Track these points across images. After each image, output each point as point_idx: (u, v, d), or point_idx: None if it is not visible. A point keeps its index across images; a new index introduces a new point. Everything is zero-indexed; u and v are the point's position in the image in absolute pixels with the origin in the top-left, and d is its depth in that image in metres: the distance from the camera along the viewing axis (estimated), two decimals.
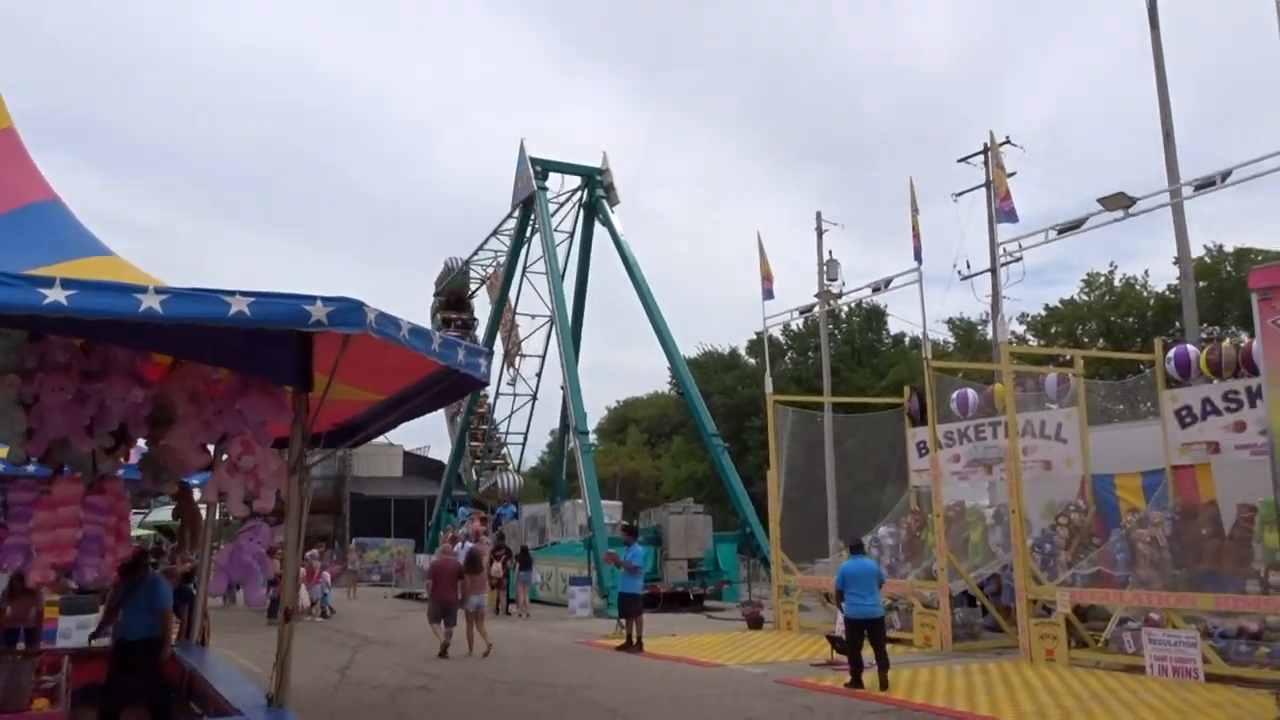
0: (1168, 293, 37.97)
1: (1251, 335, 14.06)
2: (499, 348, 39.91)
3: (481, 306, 45.84)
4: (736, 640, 17.37)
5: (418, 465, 51.32)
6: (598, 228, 34.22)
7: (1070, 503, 16.51)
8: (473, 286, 45.48)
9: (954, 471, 18.97)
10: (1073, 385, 17.26)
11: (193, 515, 11.20)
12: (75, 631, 13.85)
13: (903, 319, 63.17)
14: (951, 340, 46.88)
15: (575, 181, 34.70)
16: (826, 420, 26.32)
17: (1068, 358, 19.44)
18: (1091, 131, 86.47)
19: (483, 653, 15.58)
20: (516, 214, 35.64)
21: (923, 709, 10.35)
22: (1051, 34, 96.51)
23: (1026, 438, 17.40)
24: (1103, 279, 41.95)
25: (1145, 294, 40.81)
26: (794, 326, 51.54)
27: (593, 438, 67.74)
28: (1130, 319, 40.56)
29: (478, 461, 40.59)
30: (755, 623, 19.59)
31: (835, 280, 29.61)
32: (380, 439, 50.98)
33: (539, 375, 40.12)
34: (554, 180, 34.40)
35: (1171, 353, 15.57)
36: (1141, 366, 25.10)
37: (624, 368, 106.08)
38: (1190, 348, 15.38)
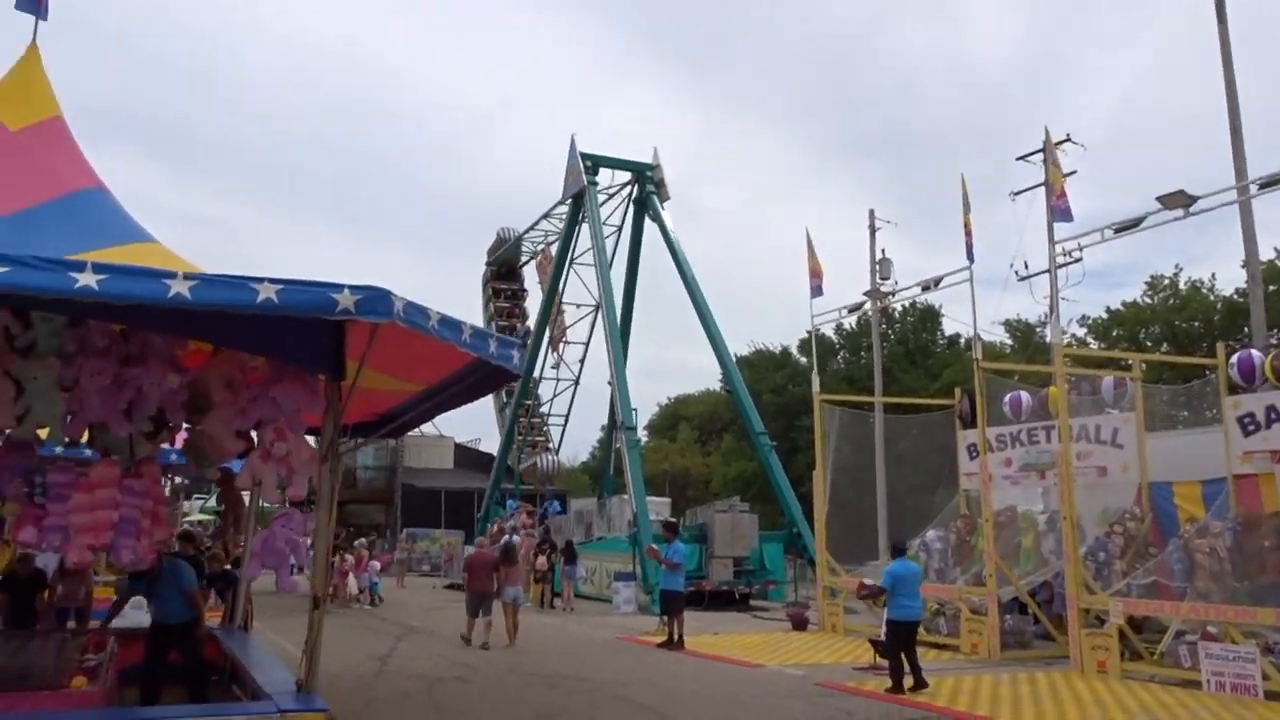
0: (1235, 296, 36.74)
1: None
2: (546, 332, 40.35)
3: (530, 281, 46.44)
4: (779, 641, 17.18)
5: (468, 457, 51.74)
6: (648, 224, 34.14)
7: (1126, 510, 16.03)
8: (524, 259, 45.85)
9: (1005, 476, 18.52)
10: (1130, 389, 16.75)
11: (235, 501, 11.35)
12: (130, 612, 14.19)
13: (957, 320, 62.18)
14: (1009, 342, 45.98)
15: (625, 176, 34.67)
16: (878, 421, 25.93)
17: (1126, 361, 18.90)
18: (1158, 131, 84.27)
19: (505, 643, 15.74)
20: (567, 209, 35.77)
21: (964, 717, 10.11)
22: (1116, 29, 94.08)
23: (1081, 442, 16.93)
24: (1167, 281, 40.78)
25: (1212, 298, 39.58)
26: (847, 326, 51.06)
27: (643, 434, 67.87)
28: (1195, 323, 39.35)
29: (520, 438, 40.98)
30: (799, 624, 19.36)
31: (888, 279, 29.16)
32: (431, 431, 51.81)
33: (582, 361, 41.05)
34: (604, 176, 34.44)
35: (1235, 357, 15.00)
36: (1206, 372, 24.32)
37: (677, 365, 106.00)
38: (1255, 352, 14.80)
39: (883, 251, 29.89)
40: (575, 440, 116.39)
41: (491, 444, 47.83)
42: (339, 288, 5.65)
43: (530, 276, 45.96)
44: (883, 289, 28.34)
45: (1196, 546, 13.66)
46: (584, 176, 33.02)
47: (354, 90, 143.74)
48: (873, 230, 30.65)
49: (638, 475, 26.23)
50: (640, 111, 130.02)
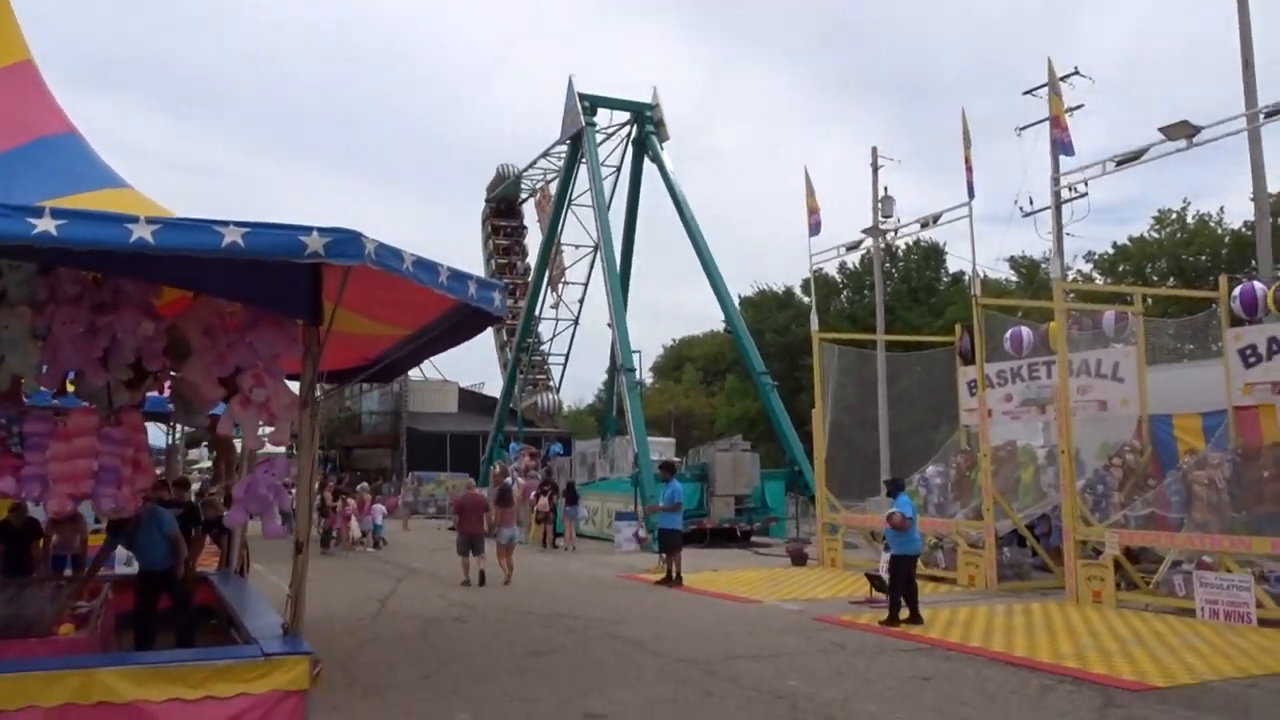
0: (1243, 230, 36.25)
1: None
2: (545, 273, 40.24)
3: (530, 219, 46.21)
4: (778, 577, 17.30)
5: (473, 401, 51.91)
6: (648, 165, 33.71)
7: (1126, 443, 15.99)
8: (523, 195, 45.57)
9: (1006, 411, 18.46)
10: (1131, 323, 16.59)
11: (227, 447, 11.38)
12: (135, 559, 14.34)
13: (961, 257, 61.63)
14: (1015, 279, 45.62)
15: (624, 117, 34.14)
16: (879, 358, 25.84)
17: (1129, 296, 18.68)
18: (1172, 67, 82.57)
19: (503, 581, 16.07)
20: (566, 150, 35.33)
21: (956, 648, 10.16)
22: None
23: (1082, 377, 16.83)
24: (1174, 216, 40.28)
25: (1220, 231, 39.10)
26: (851, 265, 50.66)
27: (648, 376, 67.85)
28: (1203, 257, 38.94)
29: (522, 375, 41.14)
30: (799, 559, 19.49)
31: (890, 217, 28.83)
32: (436, 375, 51.87)
33: (581, 302, 41.17)
34: (604, 117, 33.91)
35: (1238, 289, 14.81)
36: (1212, 305, 24.07)
37: (681, 307, 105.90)
38: (1258, 284, 14.61)
39: (885, 189, 29.53)
40: (579, 383, 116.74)
41: (495, 387, 47.95)
42: (307, 230, 5.54)
43: (530, 214, 45.72)
44: (884, 227, 28.02)
45: (1195, 478, 13.63)
46: (582, 117, 32.52)
47: (355, 33, 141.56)
48: (875, 168, 30.23)
49: (638, 416, 26.27)
50: (645, 51, 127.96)
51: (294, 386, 7.38)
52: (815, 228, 20.39)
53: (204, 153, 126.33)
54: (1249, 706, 7.76)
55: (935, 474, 19.03)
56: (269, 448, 9.45)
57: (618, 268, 31.99)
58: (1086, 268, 41.84)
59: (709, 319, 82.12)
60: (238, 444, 10.84)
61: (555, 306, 41.32)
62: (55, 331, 6.72)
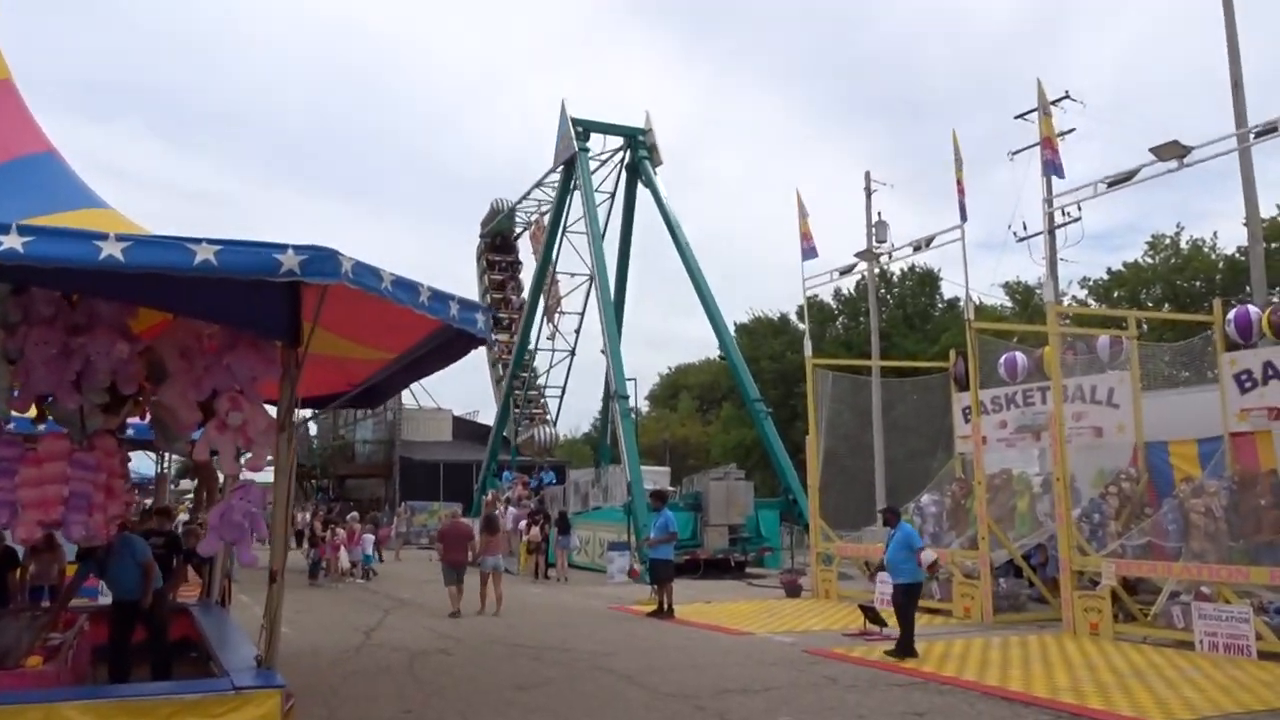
0: (1237, 255, 36.35)
1: None
2: (540, 302, 39.97)
3: (525, 253, 45.85)
4: (772, 608, 17.05)
5: (467, 429, 51.59)
6: (642, 190, 33.71)
7: (1121, 471, 15.81)
8: (518, 229, 45.21)
9: (1001, 438, 18.31)
10: (1126, 348, 16.48)
11: (209, 475, 11.17)
12: None
13: (955, 283, 61.57)
14: (1009, 305, 45.62)
15: (618, 142, 34.18)
16: (874, 385, 25.69)
17: (1124, 321, 18.59)
18: (1165, 90, 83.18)
19: (493, 612, 15.95)
20: (559, 176, 35.30)
21: (950, 682, 9.94)
22: None
23: (1076, 403, 16.69)
24: (1168, 241, 40.39)
25: (1214, 256, 39.17)
26: (846, 291, 50.70)
27: (644, 404, 67.34)
28: (1197, 282, 38.98)
29: (518, 410, 40.70)
30: (793, 591, 19.24)
31: (885, 242, 28.80)
32: (429, 403, 51.45)
33: (577, 332, 40.38)
34: (597, 142, 33.95)
35: (1232, 313, 14.71)
36: (1207, 330, 24.06)
37: (677, 335, 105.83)
38: (1252, 308, 14.51)
39: (879, 214, 29.55)
40: (576, 412, 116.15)
41: (489, 415, 47.59)
42: (282, 248, 5.41)
43: (525, 248, 45.51)
44: (877, 251, 27.98)
45: (1192, 506, 13.46)
46: (575, 142, 32.53)
47: (351, 60, 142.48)
48: (868, 192, 30.28)
49: (632, 444, 26.06)
50: (639, 78, 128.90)
51: (273, 411, 7.24)
52: (808, 252, 20.32)
53: (201, 179, 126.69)
54: None
55: (930, 502, 18.84)
56: (247, 474, 9.28)
57: (611, 294, 31.89)
58: (1081, 294, 41.91)
59: (705, 347, 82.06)
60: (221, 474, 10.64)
61: (551, 338, 40.76)
62: (28, 353, 6.58)
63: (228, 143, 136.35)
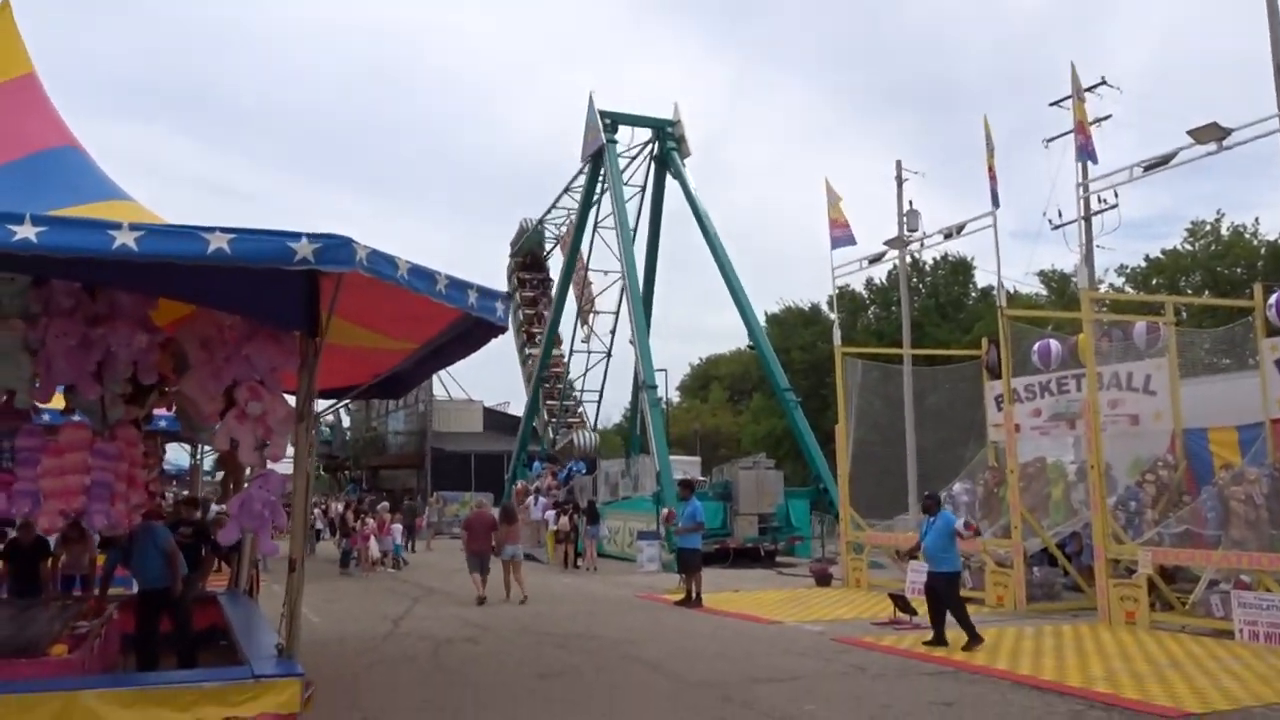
0: (1279, 241, 35.59)
1: None
2: (571, 304, 39.60)
3: (557, 266, 45.29)
4: (801, 597, 16.93)
5: (497, 421, 51.81)
6: (671, 182, 33.53)
7: (1159, 458, 15.51)
8: (548, 246, 44.79)
9: (1035, 426, 18.02)
10: (1163, 335, 16.13)
11: (235, 465, 11.20)
12: None
13: (989, 271, 60.73)
14: (1044, 293, 44.99)
15: (646, 135, 34.01)
16: (906, 374, 25.40)
17: (1161, 307, 18.21)
18: (1206, 78, 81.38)
19: (519, 600, 16.06)
20: (587, 169, 35.16)
21: (981, 671, 9.78)
22: None
23: (1112, 390, 16.38)
24: (1208, 227, 39.54)
25: (1255, 243, 38.31)
26: (878, 281, 50.21)
27: (675, 395, 66.99)
28: (1238, 269, 38.16)
29: (554, 420, 40.25)
30: (823, 580, 19.09)
31: (915, 230, 28.44)
32: (460, 394, 51.57)
33: (613, 332, 39.30)
34: (625, 135, 33.78)
35: (1273, 298, 14.36)
36: (1249, 316, 23.60)
37: (708, 326, 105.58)
38: None
39: (910, 203, 29.14)
40: (607, 403, 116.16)
41: (519, 406, 47.61)
42: (296, 236, 5.39)
43: (556, 264, 44.78)
44: (909, 239, 27.63)
45: (1232, 493, 13.16)
46: (603, 134, 32.41)
47: (382, 55, 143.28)
48: (899, 180, 29.85)
49: (660, 434, 26.00)
50: (668, 70, 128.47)
51: (293, 400, 7.23)
52: (839, 240, 20.11)
53: (233, 176, 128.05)
54: None
55: (963, 491, 18.60)
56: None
57: (640, 284, 31.78)
58: (1119, 281, 41.21)
59: (736, 338, 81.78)
60: None
61: (586, 340, 39.93)
62: (48, 344, 6.61)
63: (258, 140, 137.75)
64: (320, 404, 10.00)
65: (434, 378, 47.54)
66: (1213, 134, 12.40)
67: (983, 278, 48.44)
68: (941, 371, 23.78)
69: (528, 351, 42.31)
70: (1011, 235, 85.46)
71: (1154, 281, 40.13)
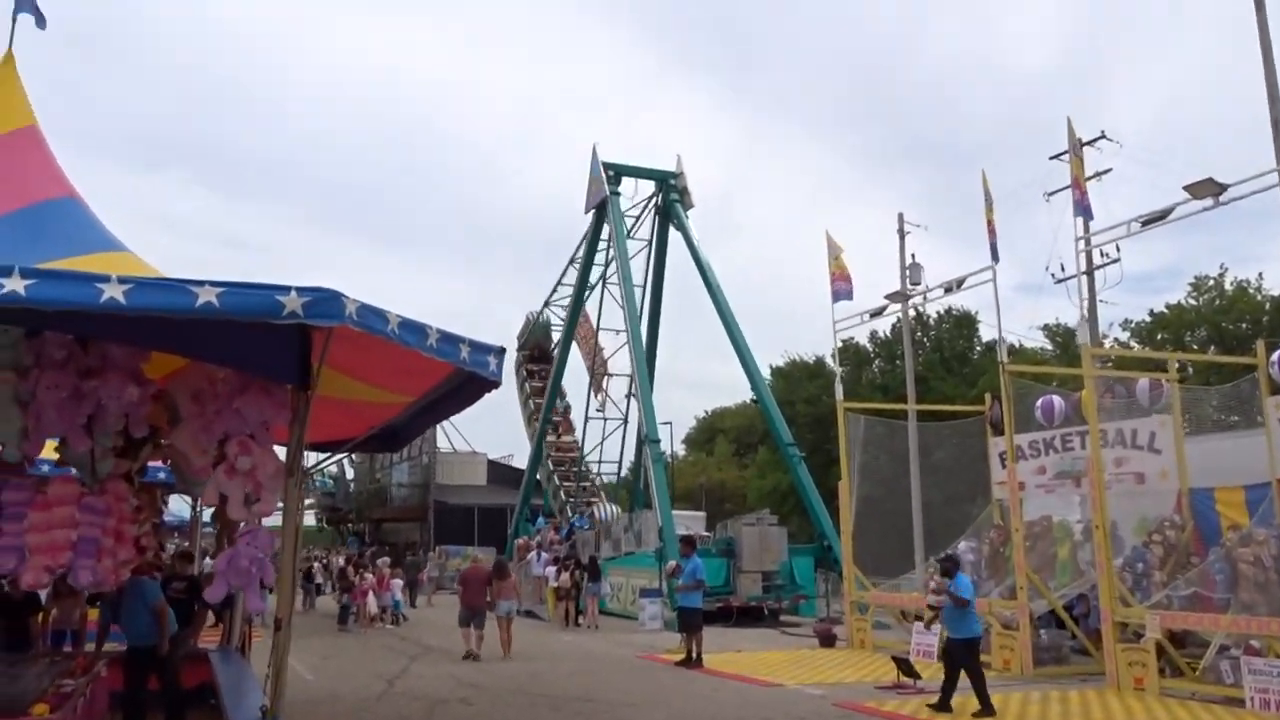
0: None
1: None
2: (576, 363, 39.08)
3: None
4: (804, 659, 16.62)
5: (500, 474, 51.59)
6: (674, 235, 33.73)
7: (1165, 518, 15.29)
8: (555, 336, 43.57)
9: (1040, 484, 17.84)
10: (1167, 392, 16.02)
11: (228, 521, 11.09)
12: None
13: (994, 325, 60.83)
14: (1049, 348, 44.92)
15: (650, 189, 34.28)
16: (911, 429, 25.26)
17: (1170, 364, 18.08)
18: (1209, 133, 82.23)
19: (501, 656, 16.27)
20: (590, 228, 35.29)
21: None
22: (1159, 27, 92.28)
23: (1117, 448, 16.23)
24: (1212, 282, 39.56)
25: (1259, 298, 38.30)
26: (882, 335, 50.25)
27: (680, 448, 66.34)
28: (1243, 324, 38.08)
29: (571, 500, 38.80)
30: (827, 640, 18.76)
31: (919, 284, 28.50)
32: (464, 447, 51.24)
33: (629, 397, 36.92)
34: (629, 189, 34.07)
35: (1275, 355, 14.28)
36: (1254, 373, 23.56)
37: (715, 377, 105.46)
38: None
39: (912, 256, 29.25)
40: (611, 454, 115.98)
41: (524, 459, 47.35)
42: (285, 290, 5.37)
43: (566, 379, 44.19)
44: (911, 293, 27.69)
45: (1240, 555, 12.95)
46: (605, 186, 32.70)
47: (397, 110, 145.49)
48: (902, 234, 30.03)
49: (663, 488, 25.81)
50: (675, 126, 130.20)
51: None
52: (840, 293, 20.11)
53: (249, 229, 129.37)
54: None
55: (968, 549, 18.32)
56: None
57: (643, 336, 31.79)
58: (1124, 335, 41.15)
59: (742, 390, 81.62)
60: None
61: (602, 407, 38.44)
62: (39, 396, 6.57)
63: (273, 193, 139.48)
64: (315, 457, 9.91)
65: (437, 429, 47.39)
66: (1209, 189, 12.43)
67: (987, 331, 48.48)
68: (946, 427, 23.64)
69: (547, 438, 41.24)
70: (1016, 288, 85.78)
71: (1159, 336, 40.06)
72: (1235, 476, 14.65)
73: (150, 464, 9.59)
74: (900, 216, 29.42)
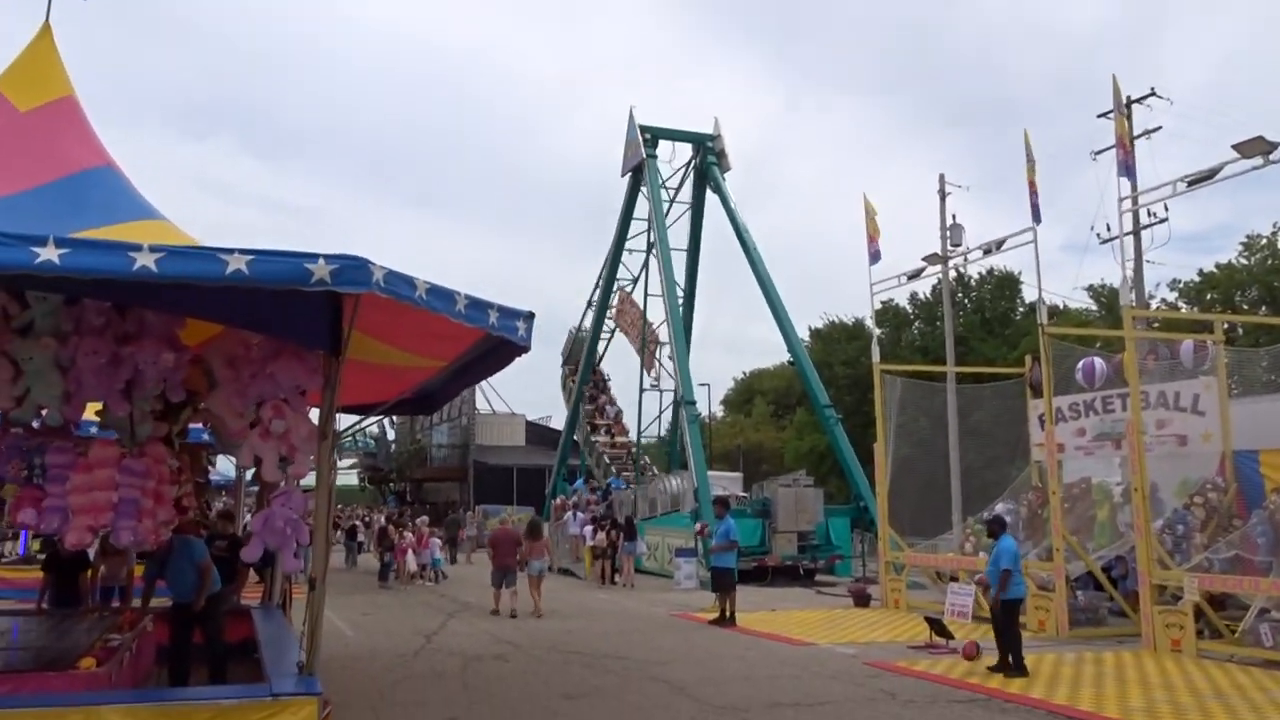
0: None
1: None
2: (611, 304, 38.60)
3: (608, 367, 43.63)
4: (837, 618, 16.70)
5: (539, 435, 52.02)
6: (711, 197, 33.48)
7: (1207, 481, 15.09)
8: (600, 349, 42.15)
9: (1079, 446, 17.67)
10: (1211, 353, 15.71)
11: (267, 482, 11.31)
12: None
13: (1035, 286, 59.86)
14: (1094, 308, 44.13)
15: (688, 152, 33.96)
16: (949, 391, 25.03)
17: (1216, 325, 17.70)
18: (1265, 89, 79.48)
19: (534, 613, 16.54)
20: (628, 191, 35.03)
21: (1016, 700, 9.55)
22: None
23: (1159, 410, 16.00)
24: (1264, 241, 38.50)
25: None
26: (922, 296, 49.64)
27: (719, 409, 66.10)
28: None
29: (633, 486, 38.90)
30: (861, 600, 18.81)
31: (959, 245, 28.07)
32: (503, 408, 51.51)
33: (668, 359, 35.66)
34: (667, 152, 33.75)
35: None
36: None
37: (753, 339, 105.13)
38: None
39: (953, 217, 28.79)
40: (649, 415, 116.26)
41: (561, 419, 47.54)
42: (314, 257, 5.43)
43: (607, 365, 43.32)
44: (951, 255, 27.28)
45: None
46: (643, 149, 32.46)
47: (438, 73, 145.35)
48: (943, 195, 29.50)
49: (698, 449, 25.88)
50: (718, 89, 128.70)
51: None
52: (875, 255, 19.89)
53: (289, 193, 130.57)
54: None
55: (1005, 511, 18.19)
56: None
57: (679, 298, 31.70)
58: (1172, 296, 40.30)
59: (780, 351, 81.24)
60: None
61: (657, 380, 36.86)
62: (78, 362, 6.73)
63: (314, 158, 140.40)
64: (349, 420, 10.07)
65: (476, 390, 47.73)
66: (1259, 148, 12.08)
67: (1030, 292, 47.72)
68: (986, 388, 23.42)
69: (593, 439, 40.95)
70: (1062, 248, 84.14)
71: (1208, 296, 39.17)
72: (1277, 438, 14.39)
73: (193, 426, 9.84)
74: (941, 177, 28.87)
